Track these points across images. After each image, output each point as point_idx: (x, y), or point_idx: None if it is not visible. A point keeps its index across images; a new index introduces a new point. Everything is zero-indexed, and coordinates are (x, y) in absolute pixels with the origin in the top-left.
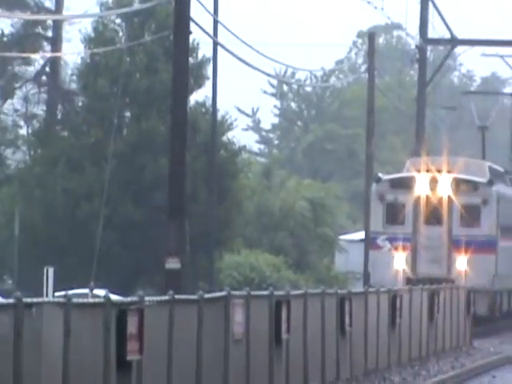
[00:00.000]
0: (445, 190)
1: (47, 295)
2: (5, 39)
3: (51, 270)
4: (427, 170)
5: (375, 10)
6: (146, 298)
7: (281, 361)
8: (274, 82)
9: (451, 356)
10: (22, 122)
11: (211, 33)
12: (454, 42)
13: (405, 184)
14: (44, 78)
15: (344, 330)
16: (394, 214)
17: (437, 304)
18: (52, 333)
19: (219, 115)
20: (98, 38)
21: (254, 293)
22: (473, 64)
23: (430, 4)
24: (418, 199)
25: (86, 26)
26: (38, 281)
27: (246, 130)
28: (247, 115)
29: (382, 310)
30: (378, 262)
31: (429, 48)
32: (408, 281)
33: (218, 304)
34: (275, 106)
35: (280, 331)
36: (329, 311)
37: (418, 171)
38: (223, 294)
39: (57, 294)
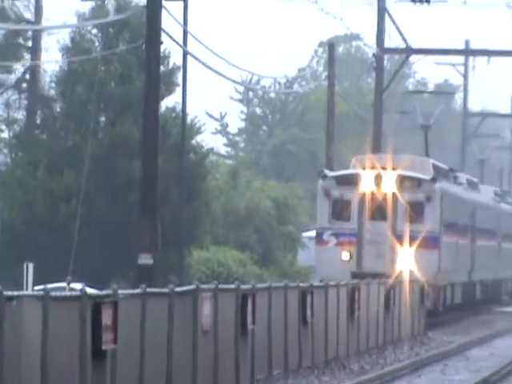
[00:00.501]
0: (389, 186)
1: (27, 289)
2: None
3: (31, 266)
4: (372, 167)
5: (335, 21)
6: (120, 292)
7: (247, 350)
8: (241, 88)
9: (407, 345)
10: (3, 127)
11: (181, 42)
12: (408, 51)
13: (350, 181)
14: (24, 85)
15: (306, 320)
16: (339, 210)
17: (393, 297)
18: (31, 324)
19: (189, 120)
20: (75, 47)
21: (221, 286)
22: (426, 71)
23: (387, 15)
24: (363, 195)
25: (64, 37)
26: (18, 276)
27: (215, 133)
28: (215, 119)
29: (342, 303)
30: (324, 256)
31: (385, 57)
32: (353, 275)
33: (187, 297)
34: (241, 111)
35: (246, 322)
36: (291, 303)
37: (363, 168)
38: (192, 287)
39: (36, 288)
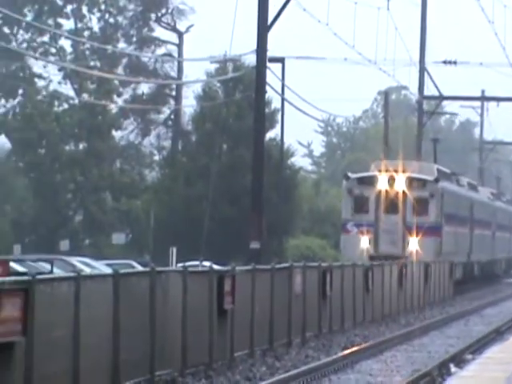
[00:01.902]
0: (400, 186)
1: (172, 266)
2: (144, 97)
3: (174, 249)
4: (386, 171)
5: (389, 77)
6: (237, 268)
7: (326, 309)
8: (322, 124)
9: (440, 306)
10: (155, 152)
11: (280, 92)
12: (441, 98)
13: (368, 181)
14: (170, 122)
15: (368, 288)
16: (360, 205)
17: (430, 272)
18: (175, 291)
19: (285, 146)
20: (205, 96)
21: (308, 264)
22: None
23: (426, 72)
24: (379, 193)
25: (198, 88)
26: (166, 256)
27: (303, 156)
28: (304, 146)
29: (393, 276)
30: (348, 243)
31: (424, 102)
32: (371, 258)
33: (284, 272)
34: (323, 140)
35: (325, 290)
36: (358, 277)
37: (379, 171)
38: (288, 265)
39: (178, 265)
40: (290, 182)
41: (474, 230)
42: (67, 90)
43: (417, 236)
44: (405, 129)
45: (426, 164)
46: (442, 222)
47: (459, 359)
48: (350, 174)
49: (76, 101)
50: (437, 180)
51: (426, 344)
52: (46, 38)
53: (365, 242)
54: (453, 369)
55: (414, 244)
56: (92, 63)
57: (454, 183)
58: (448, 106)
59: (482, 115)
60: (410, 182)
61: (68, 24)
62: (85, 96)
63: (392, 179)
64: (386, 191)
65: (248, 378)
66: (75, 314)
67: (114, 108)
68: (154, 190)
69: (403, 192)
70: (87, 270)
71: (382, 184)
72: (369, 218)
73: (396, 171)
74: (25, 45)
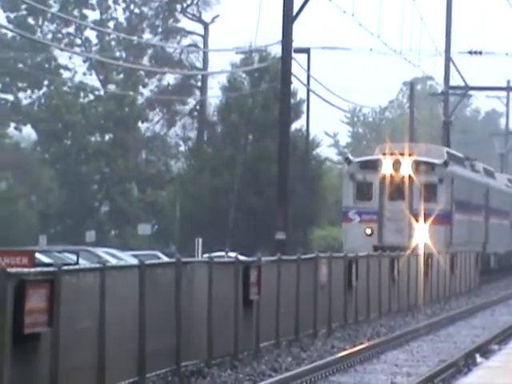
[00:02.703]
0: (406, 170)
1: (197, 256)
2: (170, 88)
3: (200, 240)
4: (391, 154)
5: (415, 67)
6: (263, 258)
7: (352, 299)
8: (348, 114)
9: (466, 296)
10: (181, 143)
11: (305, 82)
12: (466, 88)
13: (372, 165)
14: (195, 113)
15: (394, 278)
16: (362, 191)
17: (456, 262)
18: (201, 282)
19: (311, 137)
20: (231, 86)
21: (334, 255)
22: (480, 102)
23: (451, 63)
24: (383, 178)
25: (223, 79)
26: (191, 247)
27: (329, 146)
28: (330, 137)
29: (419, 266)
30: (350, 232)
31: (450, 92)
32: (375, 248)
33: (310, 262)
34: (349, 131)
35: (351, 280)
36: (384, 266)
37: (384, 155)
38: (313, 255)
39: (204, 255)
40: (315, 173)
41: (489, 219)
42: (92, 81)
43: (424, 225)
44: (431, 119)
45: (435, 146)
46: (452, 210)
47: (485, 349)
48: (351, 158)
49: (101, 92)
50: (446, 163)
51: (451, 334)
52: (71, 29)
53: (368, 232)
54: (479, 359)
55: (421, 233)
56: (117, 54)
57: (467, 168)
58: (473, 96)
59: (507, 105)
60: (417, 165)
61: (93, 15)
62: (110, 87)
63: (397, 163)
64: (391, 176)
65: (274, 369)
66: (101, 304)
67: (139, 99)
68: (180, 180)
69: (409, 177)
70: (113, 261)
71: (386, 168)
72: (372, 205)
73: (402, 154)
74: (50, 36)
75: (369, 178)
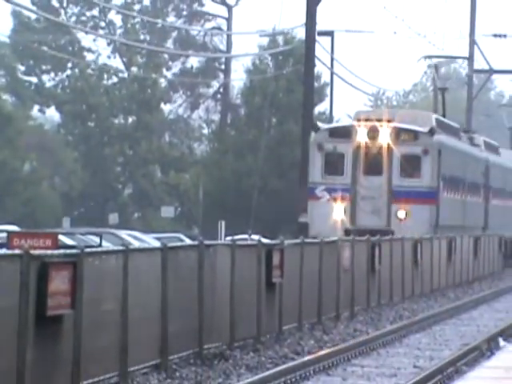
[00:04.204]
0: (384, 139)
1: (220, 239)
2: (193, 71)
3: (223, 223)
4: (366, 120)
5: (439, 50)
6: (286, 241)
7: (375, 283)
8: (372, 98)
9: (489, 280)
10: (204, 125)
11: (329, 65)
12: (490, 71)
13: (344, 133)
14: (219, 96)
15: (417, 262)
16: (332, 164)
17: (480, 246)
18: (223, 264)
19: (334, 120)
20: (255, 69)
21: (356, 238)
22: (504, 85)
23: (475, 46)
24: (357, 149)
25: (247, 62)
26: (214, 230)
27: None
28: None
29: (442, 251)
30: (317, 212)
31: (474, 75)
32: (346, 232)
33: (333, 245)
34: None
35: (374, 264)
36: (407, 250)
37: (358, 120)
38: (336, 238)
39: (227, 238)
40: None
41: (490, 200)
42: (116, 63)
43: (406, 203)
44: (454, 102)
45: (423, 113)
46: (439, 187)
47: (508, 333)
48: (319, 124)
49: (125, 74)
50: (432, 132)
51: (474, 318)
52: (95, 12)
53: (339, 212)
54: (502, 343)
55: (402, 214)
56: (142, 37)
57: (463, 140)
58: (497, 79)
59: None
60: (397, 133)
61: None
62: (134, 70)
63: (374, 130)
64: (367, 146)
65: (296, 352)
66: (123, 287)
67: (163, 82)
68: (203, 163)
69: (388, 147)
70: (136, 244)
71: (360, 137)
72: (344, 180)
73: (379, 120)
74: (74, 19)
75: (340, 149)
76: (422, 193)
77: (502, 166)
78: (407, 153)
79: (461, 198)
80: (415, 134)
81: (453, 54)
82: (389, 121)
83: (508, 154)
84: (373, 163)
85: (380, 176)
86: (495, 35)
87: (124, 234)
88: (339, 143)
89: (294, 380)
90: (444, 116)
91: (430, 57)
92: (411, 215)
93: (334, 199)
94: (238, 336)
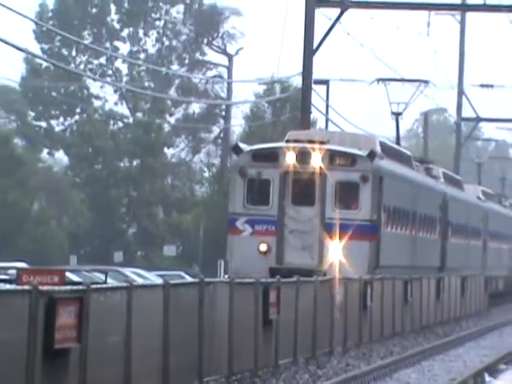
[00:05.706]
0: (317, 163)
1: (220, 277)
2: (195, 117)
3: (222, 261)
4: (296, 141)
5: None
6: (282, 280)
7: (366, 319)
8: None
9: (475, 318)
10: (205, 168)
11: (324, 112)
12: (478, 119)
13: (270, 157)
14: (219, 140)
15: (407, 300)
16: (256, 192)
17: (466, 286)
18: (222, 301)
19: None
20: (253, 115)
21: (349, 277)
22: (491, 133)
23: (464, 96)
24: (284, 174)
25: (246, 108)
26: (214, 268)
27: None
28: None
29: (431, 290)
30: (238, 248)
31: (462, 123)
32: (272, 272)
33: (326, 284)
34: None
35: (366, 301)
36: (398, 290)
37: (287, 141)
38: (330, 277)
39: (226, 276)
40: None
41: (448, 237)
42: (122, 109)
43: (341, 239)
44: (444, 149)
45: (365, 136)
46: (379, 220)
47: (493, 369)
48: (242, 146)
49: (130, 120)
50: (372, 155)
51: (461, 354)
52: (102, 60)
53: (263, 249)
54: (487, 378)
55: (336, 251)
56: (146, 84)
57: (415, 169)
58: (484, 127)
59: None
60: (332, 157)
61: (124, 47)
62: (139, 115)
63: (304, 154)
64: (296, 171)
65: None
66: (127, 321)
67: (166, 127)
68: (204, 204)
69: (321, 172)
70: (139, 281)
71: (289, 160)
72: (269, 211)
73: (311, 142)
74: (82, 66)
75: (265, 174)
76: (359, 226)
77: (463, 200)
78: (343, 180)
79: (410, 234)
80: (352, 158)
81: (442, 103)
82: (322, 142)
83: (473, 189)
84: (303, 191)
85: (311, 206)
86: (482, 85)
87: (128, 271)
88: (264, 168)
89: None
90: (398, 144)
91: (382, 79)
92: (348, 253)
93: (258, 233)
94: (235, 369)
